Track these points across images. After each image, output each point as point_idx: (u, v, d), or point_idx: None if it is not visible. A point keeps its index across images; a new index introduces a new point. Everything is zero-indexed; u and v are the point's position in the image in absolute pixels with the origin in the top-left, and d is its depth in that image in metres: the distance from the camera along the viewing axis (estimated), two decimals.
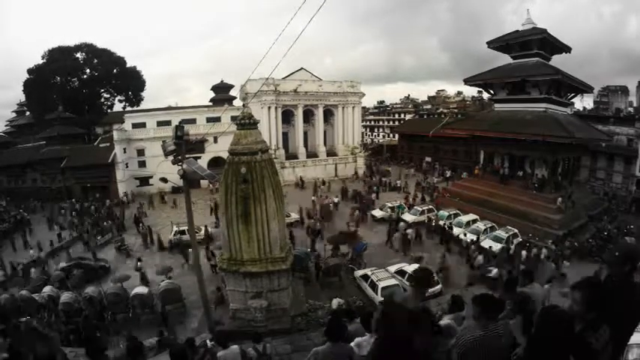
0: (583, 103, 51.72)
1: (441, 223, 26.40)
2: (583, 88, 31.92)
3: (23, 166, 42.78)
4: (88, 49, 61.39)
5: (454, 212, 28.18)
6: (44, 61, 59.18)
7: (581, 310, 2.93)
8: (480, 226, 24.90)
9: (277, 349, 11.73)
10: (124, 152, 41.21)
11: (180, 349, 5.40)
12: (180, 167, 12.20)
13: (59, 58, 58.41)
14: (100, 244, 26.96)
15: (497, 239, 23.00)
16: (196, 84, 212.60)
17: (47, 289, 17.49)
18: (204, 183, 39.71)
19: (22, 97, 65.88)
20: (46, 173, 41.45)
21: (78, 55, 61.22)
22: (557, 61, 31.31)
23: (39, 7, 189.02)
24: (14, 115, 75.99)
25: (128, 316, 16.68)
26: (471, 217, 26.91)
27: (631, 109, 44.52)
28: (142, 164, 42.80)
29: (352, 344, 5.00)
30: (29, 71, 58.71)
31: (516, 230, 24.15)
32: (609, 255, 19.65)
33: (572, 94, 33.01)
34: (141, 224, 29.73)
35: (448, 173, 44.56)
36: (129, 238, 27.86)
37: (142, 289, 17.00)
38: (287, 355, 11.71)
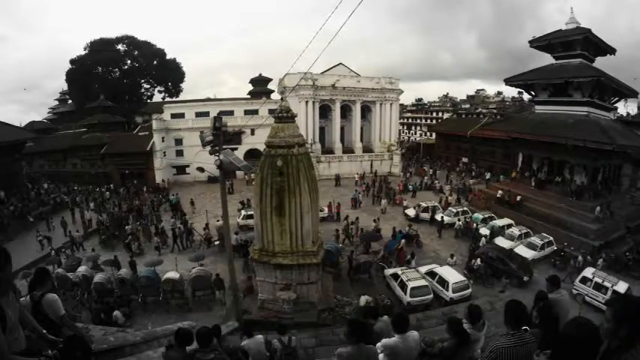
0: (627, 108, 49.13)
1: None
2: (627, 93, 30.59)
3: (64, 152, 44.74)
4: (129, 41, 63.26)
5: (489, 215, 27.56)
6: (86, 52, 61.44)
7: (612, 326, 2.82)
8: (515, 231, 24.14)
9: (302, 342, 11.77)
10: (163, 141, 42.31)
11: (207, 331, 5.41)
12: (217, 157, 12.38)
13: (101, 49, 60.54)
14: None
15: (531, 246, 22.36)
16: (233, 77, 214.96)
17: (82, 269, 18.30)
18: (239, 174, 40.14)
19: (65, 87, 68.86)
20: (86, 159, 43.26)
21: (119, 46, 63.24)
22: (601, 63, 30.12)
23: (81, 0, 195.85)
24: (57, 103, 79.32)
25: (158, 299, 17.19)
26: (506, 221, 26.12)
27: None
28: (180, 153, 43.69)
29: (378, 345, 4.92)
30: (72, 62, 61.08)
31: (551, 238, 23.32)
32: None
33: (616, 99, 31.82)
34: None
35: (487, 175, 43.50)
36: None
37: (173, 274, 17.42)
38: (311, 349, 11.73)
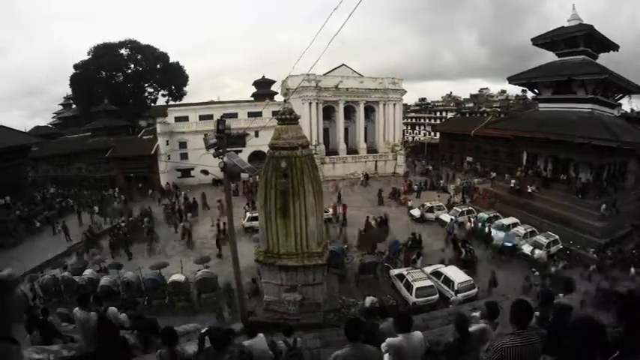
0: (631, 104, 48.74)
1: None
2: (631, 89, 30.39)
3: (69, 156, 44.95)
4: (132, 45, 63.51)
5: (494, 214, 27.45)
6: (90, 57, 61.73)
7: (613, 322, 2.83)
8: (520, 230, 24.06)
9: (307, 343, 11.76)
10: (167, 144, 42.49)
11: (222, 334, 5.44)
12: (221, 160, 12.40)
13: (104, 54, 60.86)
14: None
15: (536, 244, 22.22)
16: (235, 80, 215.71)
17: (88, 272, 18.39)
18: (244, 176, 40.06)
19: (69, 91, 69.25)
20: (91, 163, 43.32)
21: (122, 51, 63.48)
22: (604, 59, 30.08)
23: (85, 5, 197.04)
24: (61, 107, 79.77)
25: (164, 302, 17.26)
26: (512, 220, 25.99)
27: None
28: (184, 156, 43.68)
29: (383, 345, 4.94)
30: (75, 66, 61.41)
31: (557, 236, 23.17)
32: None
33: (620, 95, 31.66)
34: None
35: (493, 174, 43.38)
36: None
37: (179, 277, 17.45)
38: (316, 350, 11.72)
